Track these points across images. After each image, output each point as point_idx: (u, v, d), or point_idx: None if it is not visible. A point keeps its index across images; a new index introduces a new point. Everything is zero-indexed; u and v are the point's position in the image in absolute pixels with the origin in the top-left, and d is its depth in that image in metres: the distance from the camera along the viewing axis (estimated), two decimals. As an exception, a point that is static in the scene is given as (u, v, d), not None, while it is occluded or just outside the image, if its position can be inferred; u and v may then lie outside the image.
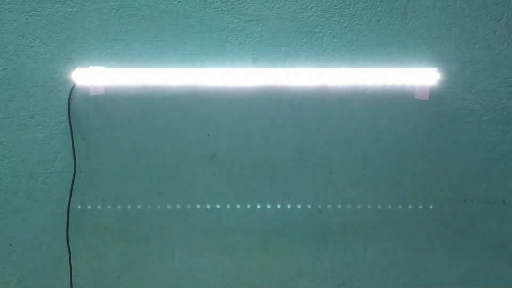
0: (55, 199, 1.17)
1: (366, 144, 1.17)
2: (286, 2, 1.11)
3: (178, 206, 1.19)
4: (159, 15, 1.11)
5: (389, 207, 1.19)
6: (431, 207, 1.19)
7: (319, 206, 1.20)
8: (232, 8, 1.11)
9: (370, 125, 1.16)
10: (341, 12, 1.12)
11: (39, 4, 1.10)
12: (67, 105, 1.12)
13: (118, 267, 1.22)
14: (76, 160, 1.14)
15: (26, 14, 1.10)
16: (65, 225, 1.16)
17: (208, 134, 1.16)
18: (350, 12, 1.12)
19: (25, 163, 1.16)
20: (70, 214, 1.16)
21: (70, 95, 1.11)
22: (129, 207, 1.19)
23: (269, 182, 1.18)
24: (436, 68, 1.08)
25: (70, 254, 1.17)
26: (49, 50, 1.11)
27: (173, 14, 1.11)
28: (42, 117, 1.14)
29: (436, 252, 1.21)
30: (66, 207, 1.16)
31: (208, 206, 1.19)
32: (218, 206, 1.19)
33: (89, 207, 1.18)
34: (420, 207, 1.19)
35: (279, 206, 1.20)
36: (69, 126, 1.13)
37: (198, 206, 1.19)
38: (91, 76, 1.07)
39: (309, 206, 1.20)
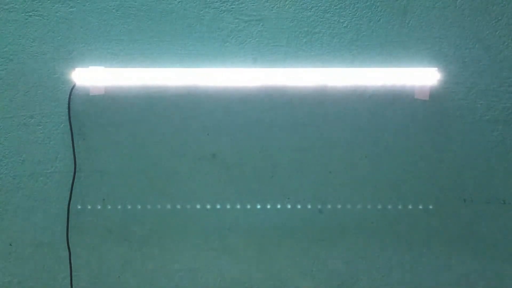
0: (55, 199, 1.17)
1: (366, 144, 1.17)
2: (286, 2, 1.11)
3: (178, 206, 1.19)
4: (159, 15, 1.11)
5: (389, 207, 1.19)
6: (431, 207, 1.19)
7: (319, 206, 1.20)
8: (232, 8, 1.11)
9: (370, 125, 1.16)
10: (341, 12, 1.12)
11: (39, 4, 1.10)
12: (67, 105, 1.12)
13: (118, 267, 1.22)
14: (76, 160, 1.14)
15: (26, 14, 1.10)
16: (65, 225, 1.16)
17: (208, 134, 1.16)
18: (350, 12, 1.12)
19: (25, 163, 1.16)
20: (70, 214, 1.16)
21: (70, 95, 1.11)
22: (129, 207, 1.19)
23: (269, 182, 1.18)
24: (436, 68, 1.08)
25: (70, 254, 1.17)
26: (49, 50, 1.11)
27: (173, 14, 1.11)
28: (42, 117, 1.14)
29: (436, 252, 1.21)
30: (66, 207, 1.16)
31: (208, 206, 1.19)
32: (218, 206, 1.19)
33: (89, 207, 1.18)
34: (420, 207, 1.19)
35: (279, 206, 1.20)
36: (69, 126, 1.13)
37: (198, 206, 1.19)
38: (91, 76, 1.07)
39: (309, 206, 1.20)
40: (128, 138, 1.16)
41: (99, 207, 1.18)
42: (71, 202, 1.16)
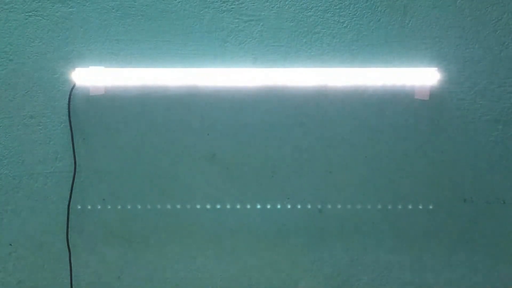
0: (55, 199, 1.17)
1: (366, 144, 1.17)
2: (286, 2, 1.11)
3: (178, 206, 1.19)
4: (159, 15, 1.11)
5: (389, 207, 1.19)
6: (431, 207, 1.19)
7: (319, 206, 1.20)
8: (232, 8, 1.11)
9: (370, 125, 1.16)
10: (341, 12, 1.12)
11: (39, 4, 1.10)
12: (67, 105, 1.12)
13: (118, 267, 1.22)
14: (76, 160, 1.14)
15: (26, 14, 1.10)
16: (65, 225, 1.16)
17: (208, 134, 1.16)
18: (350, 12, 1.12)
19: (25, 163, 1.16)
20: (70, 214, 1.16)
21: (70, 95, 1.11)
22: (129, 207, 1.19)
23: (269, 182, 1.18)
24: (436, 68, 1.08)
25: (70, 254, 1.17)
26: (49, 50, 1.11)
27: (173, 14, 1.11)
28: (42, 117, 1.14)
29: (436, 252, 1.21)
30: (66, 207, 1.16)
31: (208, 206, 1.19)
32: (218, 206, 1.19)
33: (89, 207, 1.18)
34: (420, 207, 1.19)
35: (279, 206, 1.20)
36: (69, 126, 1.13)
37: (198, 206, 1.19)
38: (91, 76, 1.07)
39: (309, 206, 1.20)
40: (128, 138, 1.16)
41: (99, 207, 1.18)
42: (71, 202, 1.16)
